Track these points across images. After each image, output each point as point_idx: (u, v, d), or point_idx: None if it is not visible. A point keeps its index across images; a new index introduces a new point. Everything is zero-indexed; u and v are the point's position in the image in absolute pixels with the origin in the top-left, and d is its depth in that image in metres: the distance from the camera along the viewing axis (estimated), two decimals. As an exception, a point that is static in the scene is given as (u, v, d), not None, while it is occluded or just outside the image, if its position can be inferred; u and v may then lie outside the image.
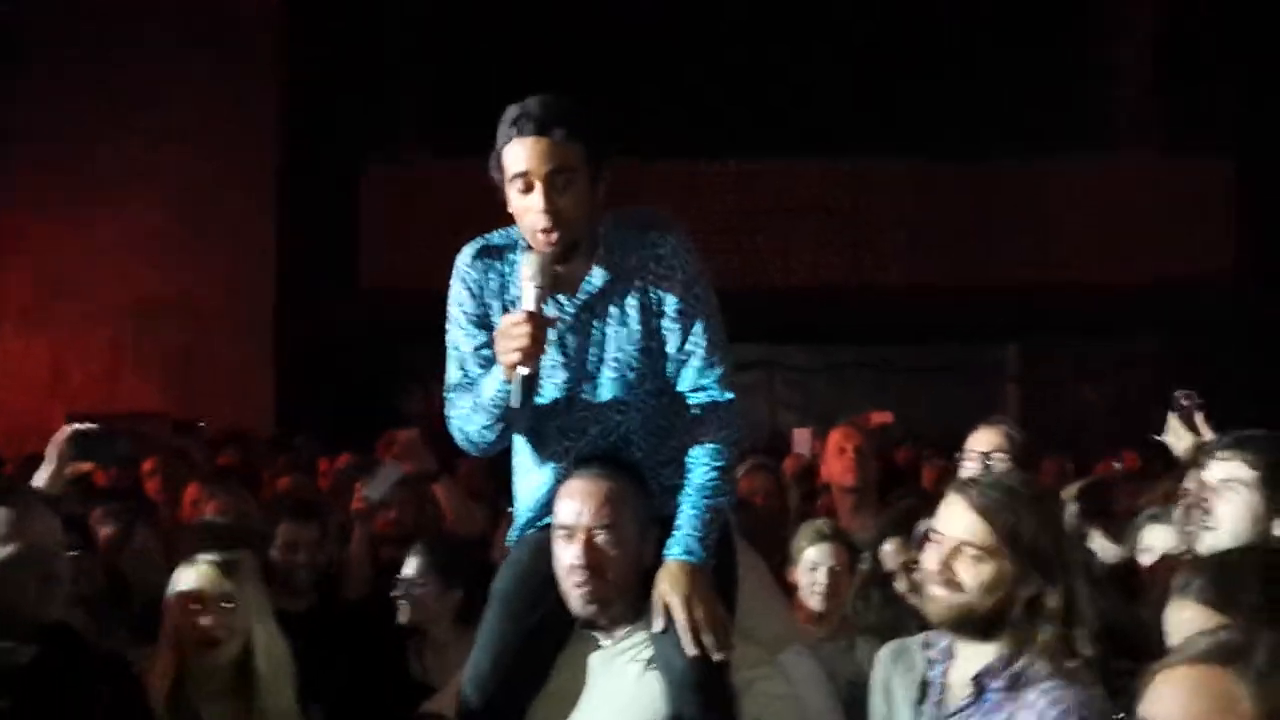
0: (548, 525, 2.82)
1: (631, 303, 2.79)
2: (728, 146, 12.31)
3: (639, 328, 2.79)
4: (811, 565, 4.06)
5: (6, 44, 11.72)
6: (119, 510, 4.46)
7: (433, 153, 12.75)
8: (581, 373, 2.81)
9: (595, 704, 2.78)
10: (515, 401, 2.70)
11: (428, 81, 12.93)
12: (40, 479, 3.83)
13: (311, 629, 3.97)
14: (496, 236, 2.86)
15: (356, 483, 5.23)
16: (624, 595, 2.76)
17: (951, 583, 2.47)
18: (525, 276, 2.71)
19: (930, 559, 2.52)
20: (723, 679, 2.68)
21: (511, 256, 2.82)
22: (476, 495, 5.57)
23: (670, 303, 2.78)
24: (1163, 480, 4.14)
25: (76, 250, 11.90)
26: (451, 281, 2.86)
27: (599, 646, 2.82)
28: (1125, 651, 2.47)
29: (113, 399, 11.31)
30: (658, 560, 2.73)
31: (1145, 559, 3.45)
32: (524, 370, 2.67)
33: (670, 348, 2.80)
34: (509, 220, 2.80)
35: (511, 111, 2.71)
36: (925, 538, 2.61)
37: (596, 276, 2.79)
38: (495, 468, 3.73)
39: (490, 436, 2.82)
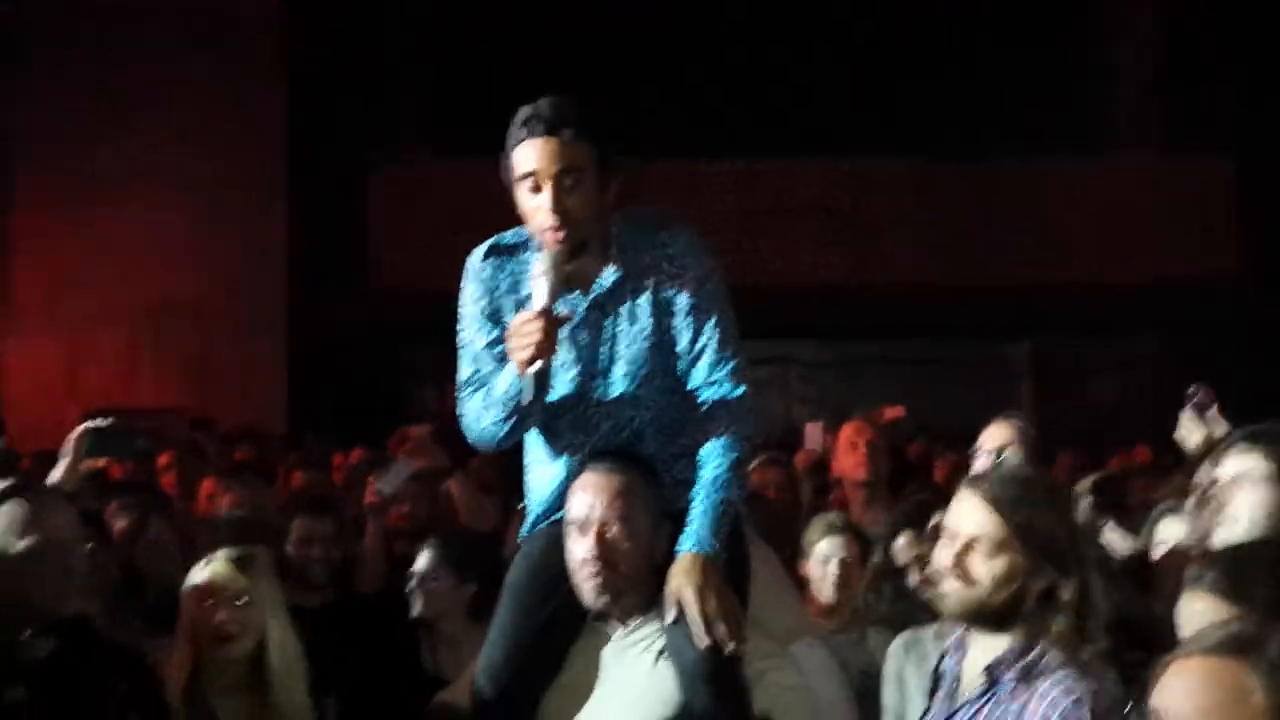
0: (560, 520, 2.84)
1: (643, 300, 2.81)
2: (727, 147, 12.32)
3: (650, 324, 2.81)
4: (823, 558, 4.06)
5: (6, 44, 11.75)
6: (133, 503, 4.48)
7: (433, 153, 12.78)
8: (593, 369, 2.83)
9: (608, 696, 2.79)
10: (527, 398, 2.74)
11: (428, 81, 12.94)
12: (56, 474, 3.86)
13: (327, 623, 3.99)
14: (508, 235, 2.88)
15: (369, 477, 5.25)
16: (636, 588, 2.77)
17: (965, 577, 2.48)
18: (537, 274, 2.73)
19: (943, 554, 2.53)
20: (735, 671, 2.69)
21: (523, 255, 2.84)
22: (488, 490, 5.59)
23: (682, 300, 2.80)
24: (1176, 474, 4.14)
25: (88, 250, 11.92)
26: (464, 280, 2.89)
27: (611, 639, 2.83)
28: (1138, 643, 2.47)
29: (127, 397, 11.34)
30: (670, 554, 2.74)
31: (1160, 552, 3.45)
32: (536, 367, 2.70)
33: (682, 344, 2.82)
34: (510, 220, 2.83)
35: (522, 113, 2.74)
36: (937, 532, 2.62)
37: (608, 274, 2.81)
38: (507, 463, 3.74)
39: (502, 432, 2.84)
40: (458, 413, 2.92)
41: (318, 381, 11.69)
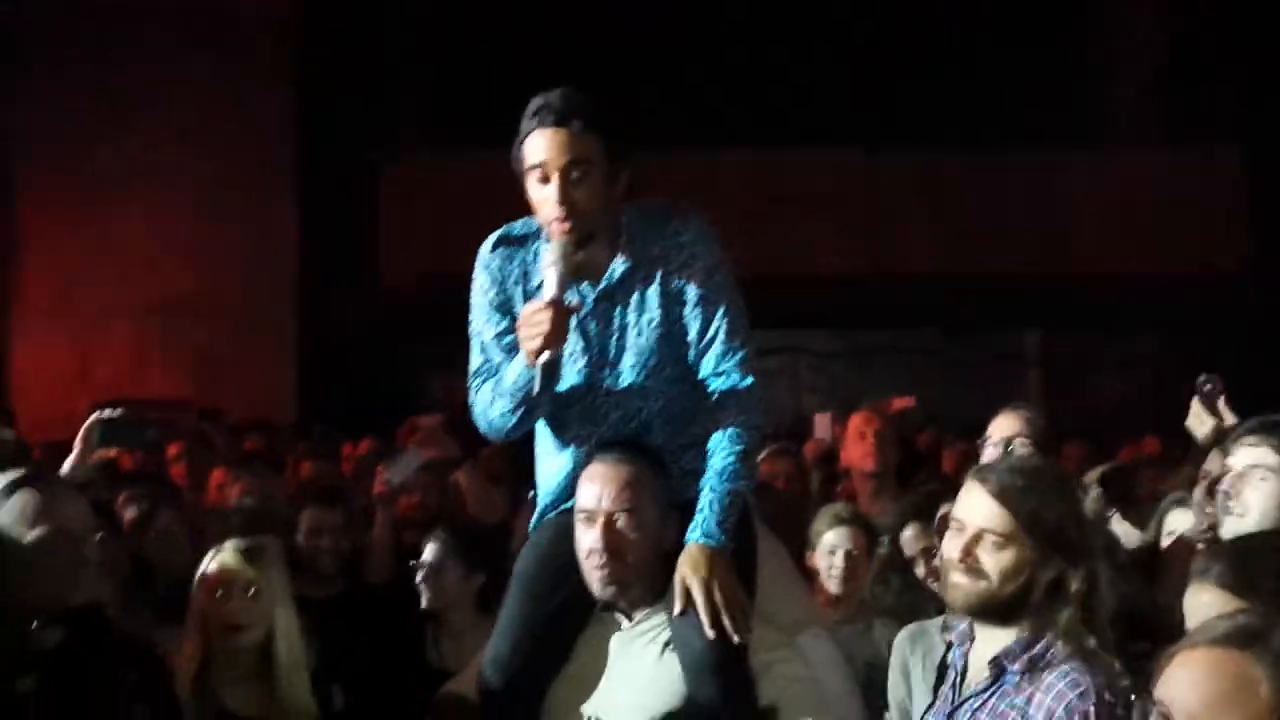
0: (569, 509, 2.84)
1: (653, 290, 2.81)
2: (735, 139, 12.31)
3: (660, 314, 2.81)
4: (830, 549, 4.06)
5: (6, 44, 11.76)
6: (143, 493, 4.50)
7: (433, 152, 12.79)
8: (603, 359, 2.84)
9: (614, 685, 2.80)
10: (537, 388, 2.75)
11: (428, 81, 12.94)
12: (67, 465, 3.87)
13: (335, 613, 4.00)
14: (518, 226, 2.89)
15: (378, 467, 5.26)
16: (644, 578, 2.78)
17: (974, 570, 2.47)
18: (547, 264, 2.74)
19: (951, 547, 2.51)
20: (741, 662, 2.70)
21: (533, 245, 2.85)
22: (497, 480, 5.59)
23: (692, 290, 2.80)
24: (1185, 465, 4.13)
25: (94, 249, 11.96)
26: (474, 271, 2.90)
27: (619, 628, 2.84)
28: (1144, 634, 2.47)
29: (136, 391, 11.37)
30: (678, 544, 2.74)
31: (1169, 544, 3.44)
32: (546, 357, 2.71)
33: (692, 334, 2.82)
34: (514, 214, 2.84)
35: (533, 103, 2.75)
36: (945, 523, 2.61)
37: (618, 265, 2.82)
38: (516, 453, 3.75)
39: (512, 422, 2.85)
40: (469, 403, 2.93)
41: (326, 375, 11.72)
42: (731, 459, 2.76)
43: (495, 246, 2.88)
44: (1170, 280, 12.08)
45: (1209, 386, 3.83)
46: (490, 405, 2.85)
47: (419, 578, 4.15)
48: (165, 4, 12.00)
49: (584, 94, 2.76)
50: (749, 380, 2.82)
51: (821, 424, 7.07)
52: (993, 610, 2.48)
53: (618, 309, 2.83)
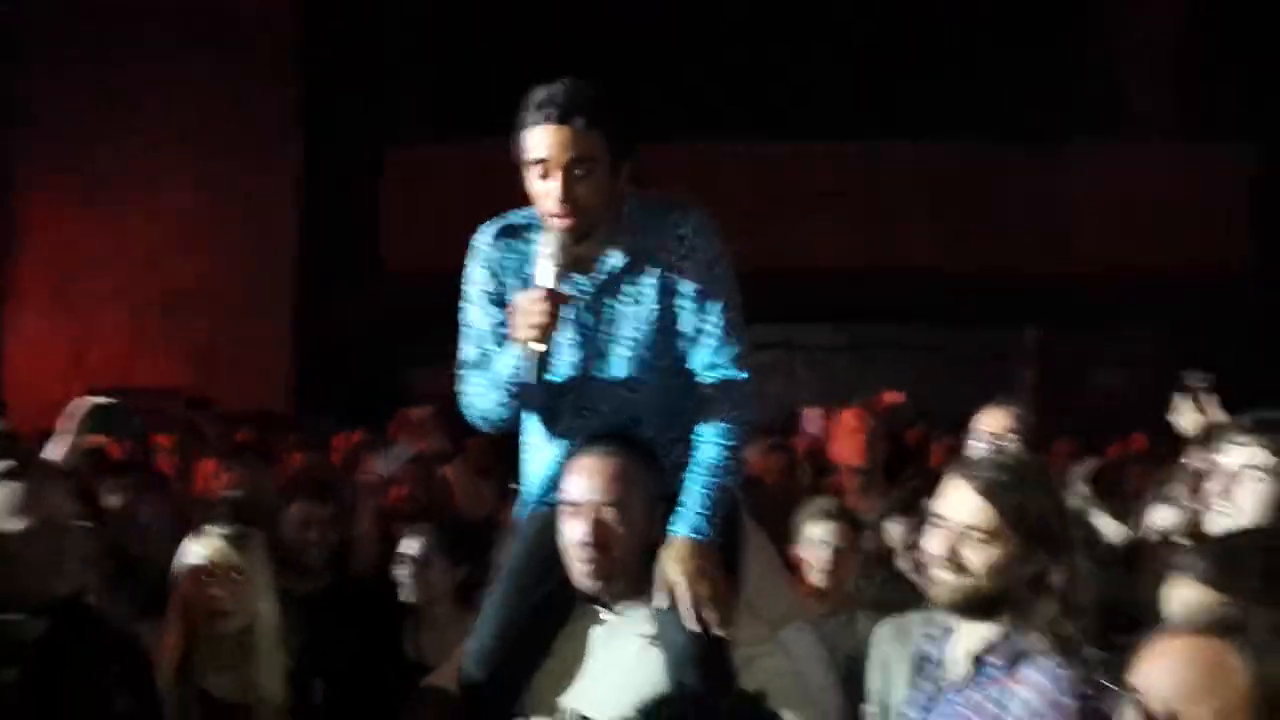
0: (557, 501, 2.83)
1: (649, 282, 2.80)
2: (736, 133, 12.30)
3: (655, 307, 2.80)
4: (815, 543, 4.05)
5: (6, 44, 11.76)
6: (127, 483, 4.47)
7: (433, 147, 12.79)
8: (595, 350, 2.83)
9: (596, 677, 2.79)
10: (529, 377, 2.73)
11: (428, 79, 12.94)
12: (56, 450, 3.86)
13: (322, 606, 3.99)
14: (515, 215, 2.87)
15: (367, 455, 5.25)
16: (628, 571, 2.76)
17: (958, 567, 2.47)
18: (543, 255, 2.72)
19: (934, 543, 2.51)
20: (723, 655, 2.69)
21: (530, 235, 2.83)
22: (484, 474, 5.58)
23: (689, 283, 2.79)
24: (1171, 461, 4.13)
25: (93, 244, 11.97)
26: (468, 260, 2.88)
27: (601, 621, 2.83)
28: (1125, 628, 2.47)
29: (132, 380, 11.38)
30: (664, 536, 2.73)
31: (1153, 538, 3.44)
32: (538, 346, 2.69)
33: (686, 327, 2.80)
34: (507, 209, 2.83)
35: (536, 94, 2.71)
36: (927, 520, 2.61)
37: (615, 256, 2.80)
38: (503, 446, 3.74)
39: (503, 413, 2.84)
40: (458, 391, 2.91)
41: (325, 368, 11.72)
42: (720, 453, 2.75)
43: (492, 236, 2.86)
44: (1170, 279, 12.07)
45: (1195, 384, 3.83)
46: (482, 395, 2.84)
47: (402, 571, 4.14)
48: (165, 4, 12.01)
49: (588, 87, 2.73)
50: (742, 375, 2.80)
51: (812, 419, 7.08)
52: (976, 605, 2.48)
53: (613, 300, 2.81)
